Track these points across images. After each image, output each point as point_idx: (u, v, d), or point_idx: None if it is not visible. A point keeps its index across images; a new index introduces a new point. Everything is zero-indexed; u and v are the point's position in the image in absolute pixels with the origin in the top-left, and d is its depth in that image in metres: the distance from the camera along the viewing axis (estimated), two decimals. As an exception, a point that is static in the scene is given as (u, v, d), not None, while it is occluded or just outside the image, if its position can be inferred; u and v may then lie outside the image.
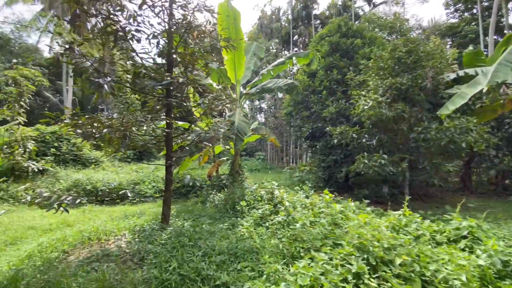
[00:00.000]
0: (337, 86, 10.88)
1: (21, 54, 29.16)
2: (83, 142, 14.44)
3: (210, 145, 5.45)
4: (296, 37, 33.36)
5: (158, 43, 4.39)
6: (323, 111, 10.46)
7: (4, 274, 3.66)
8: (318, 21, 32.00)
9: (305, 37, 32.00)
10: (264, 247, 3.81)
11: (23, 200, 3.56)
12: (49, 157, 12.56)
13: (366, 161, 7.22)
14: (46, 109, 25.59)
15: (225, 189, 7.90)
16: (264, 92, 7.15)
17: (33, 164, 10.97)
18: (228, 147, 9.51)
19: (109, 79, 3.96)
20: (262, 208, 5.63)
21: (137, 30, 4.13)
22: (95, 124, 4.15)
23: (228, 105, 7.63)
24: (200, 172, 14.29)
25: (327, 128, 9.06)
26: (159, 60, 4.95)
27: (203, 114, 5.01)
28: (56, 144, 13.54)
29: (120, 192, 4.05)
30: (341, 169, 10.42)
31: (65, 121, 3.86)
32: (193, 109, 7.83)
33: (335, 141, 8.62)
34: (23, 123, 12.57)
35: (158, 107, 5.02)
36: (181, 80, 4.12)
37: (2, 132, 11.39)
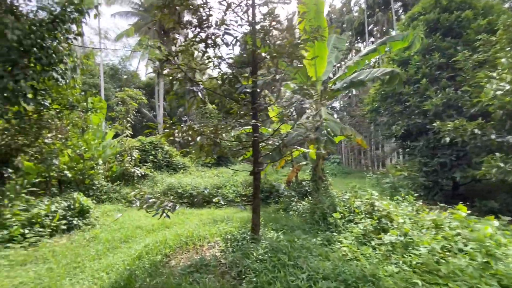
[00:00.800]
0: (440, 72, 8.90)
1: (126, 79, 35.78)
2: (178, 150, 16.33)
3: (300, 148, 4.98)
4: (371, 26, 30.21)
5: (245, 44, 4.19)
6: (423, 104, 8.69)
7: (120, 273, 4.00)
8: (399, 4, 28.13)
9: (383, 25, 28.62)
10: (381, 276, 3.04)
11: (133, 205, 4.01)
12: (148, 164, 14.52)
13: (500, 164, 5.44)
14: (144, 123, 30.40)
15: (309, 197, 7.29)
16: (354, 87, 6.26)
17: (138, 170, 12.81)
18: (306, 150, 8.89)
19: (201, 87, 3.95)
20: (362, 222, 4.79)
21: (225, 34, 4.02)
22: (190, 132, 4.22)
23: (310, 105, 7.06)
24: (275, 176, 14.09)
25: (434, 124, 7.37)
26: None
27: (290, 116, 4.57)
28: (153, 152, 15.61)
29: (214, 200, 4.01)
30: (451, 174, 8.41)
31: (164, 130, 4.02)
32: (272, 111, 7.56)
33: (447, 139, 6.91)
34: (129, 136, 14.97)
35: (242, 112, 4.86)
36: (278, 76, 3.78)
37: (116, 144, 13.81)
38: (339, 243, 4.32)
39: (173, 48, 4.51)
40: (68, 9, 6.00)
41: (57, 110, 6.33)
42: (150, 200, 4.05)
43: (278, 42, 4.22)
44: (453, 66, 8.65)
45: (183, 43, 4.14)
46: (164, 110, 32.86)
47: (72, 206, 7.21)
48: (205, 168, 18.32)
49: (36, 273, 4.22)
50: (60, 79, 5.80)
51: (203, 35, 4.22)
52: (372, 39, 29.79)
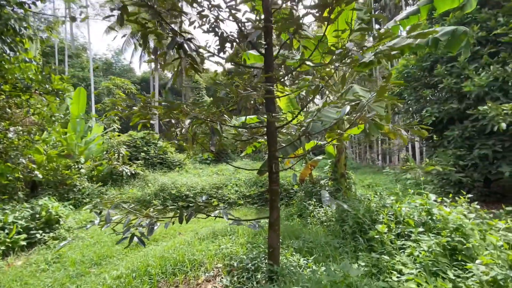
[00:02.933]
0: (479, 47, 7.49)
1: (121, 74, 34.13)
2: (163, 141, 14.72)
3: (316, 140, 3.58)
4: (378, 11, 28.58)
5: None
6: (459, 86, 7.30)
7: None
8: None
9: (390, 10, 27.04)
10: None
11: (87, 226, 2.66)
12: (139, 161, 13.10)
13: None
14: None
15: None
16: (390, 57, 4.83)
17: (126, 169, 11.40)
18: (318, 142, 7.53)
19: (188, 37, 2.54)
20: (423, 240, 3.41)
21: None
22: (175, 113, 2.82)
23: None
24: (282, 174, 12.71)
25: (481, 108, 6.00)
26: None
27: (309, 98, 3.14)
28: (145, 149, 14.17)
29: (215, 212, 2.66)
30: (496, 167, 7.08)
31: (134, 108, 2.62)
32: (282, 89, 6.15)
33: (503, 125, 5.53)
34: (117, 130, 13.51)
35: (250, 87, 3.44)
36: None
37: (103, 139, 12.38)
38: (397, 273, 2.96)
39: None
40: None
41: (7, 93, 4.87)
42: (114, 218, 2.65)
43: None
44: (497, 41, 7.27)
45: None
46: (160, 105, 31.46)
47: (38, 215, 5.82)
48: (203, 165, 16.93)
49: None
50: (8, 51, 4.35)
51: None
52: (377, 26, 28.20)
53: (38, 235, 5.36)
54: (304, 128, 3.46)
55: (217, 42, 3.15)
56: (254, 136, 3.60)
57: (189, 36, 2.79)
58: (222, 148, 3.59)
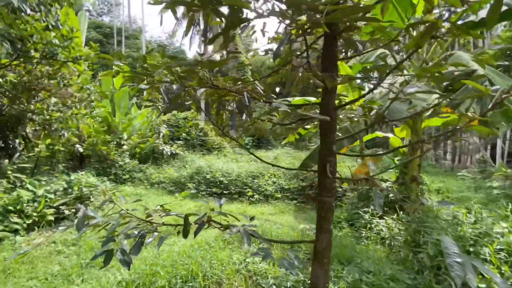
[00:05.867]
0: None
1: (172, 55, 35.32)
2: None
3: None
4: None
5: None
6: None
7: None
8: None
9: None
10: None
11: (58, 229, 2.18)
12: (180, 141, 13.03)
13: None
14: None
15: (397, 210, 4.54)
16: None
17: (167, 148, 11.35)
18: (380, 133, 6.02)
19: None
20: None
21: None
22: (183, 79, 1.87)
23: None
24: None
25: None
26: None
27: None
28: (187, 129, 14.08)
29: (233, 229, 1.78)
30: None
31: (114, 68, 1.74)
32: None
33: None
34: (160, 108, 13.56)
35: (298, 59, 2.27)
36: None
37: (150, 117, 12.59)
38: None
39: None
40: None
41: (36, 61, 4.57)
42: (95, 221, 1.90)
43: None
44: None
45: None
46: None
47: (70, 190, 5.74)
48: (243, 150, 16.35)
49: None
50: (25, 9, 3.92)
51: None
52: None
53: (67, 211, 5.22)
54: (379, 111, 2.23)
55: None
56: (302, 118, 2.50)
57: None
58: (257, 134, 2.60)
